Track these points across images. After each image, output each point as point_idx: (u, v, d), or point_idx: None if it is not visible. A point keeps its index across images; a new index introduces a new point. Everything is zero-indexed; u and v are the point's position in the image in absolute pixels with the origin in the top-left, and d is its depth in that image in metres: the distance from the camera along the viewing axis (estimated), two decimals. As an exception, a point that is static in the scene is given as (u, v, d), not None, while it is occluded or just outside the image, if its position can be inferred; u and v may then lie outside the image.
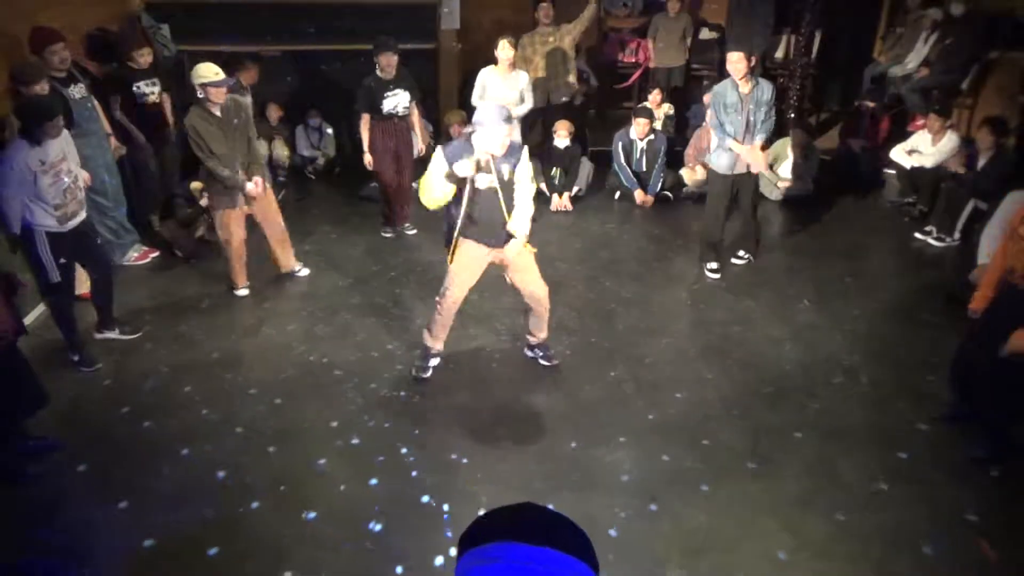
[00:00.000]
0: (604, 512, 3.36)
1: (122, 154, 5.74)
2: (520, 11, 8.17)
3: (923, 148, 6.76)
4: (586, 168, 7.31)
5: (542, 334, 4.42)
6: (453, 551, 3.02)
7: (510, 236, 4.04)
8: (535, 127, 7.57)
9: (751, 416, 4.07)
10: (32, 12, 5.25)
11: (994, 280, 3.66)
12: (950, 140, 6.61)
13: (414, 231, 6.48)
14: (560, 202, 7.00)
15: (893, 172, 7.27)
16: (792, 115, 8.05)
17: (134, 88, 5.98)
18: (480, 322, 4.95)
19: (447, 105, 8.04)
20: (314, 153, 8.02)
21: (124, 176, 5.80)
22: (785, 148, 7.16)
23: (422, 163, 7.46)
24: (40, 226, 4.10)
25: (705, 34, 8.96)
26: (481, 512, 1.05)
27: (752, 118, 5.27)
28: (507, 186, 3.94)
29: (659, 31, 8.57)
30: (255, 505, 3.41)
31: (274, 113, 7.82)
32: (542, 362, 4.48)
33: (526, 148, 4.10)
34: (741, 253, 5.92)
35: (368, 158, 6.19)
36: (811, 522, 3.33)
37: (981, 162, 6.02)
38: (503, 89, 6.30)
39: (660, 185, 7.19)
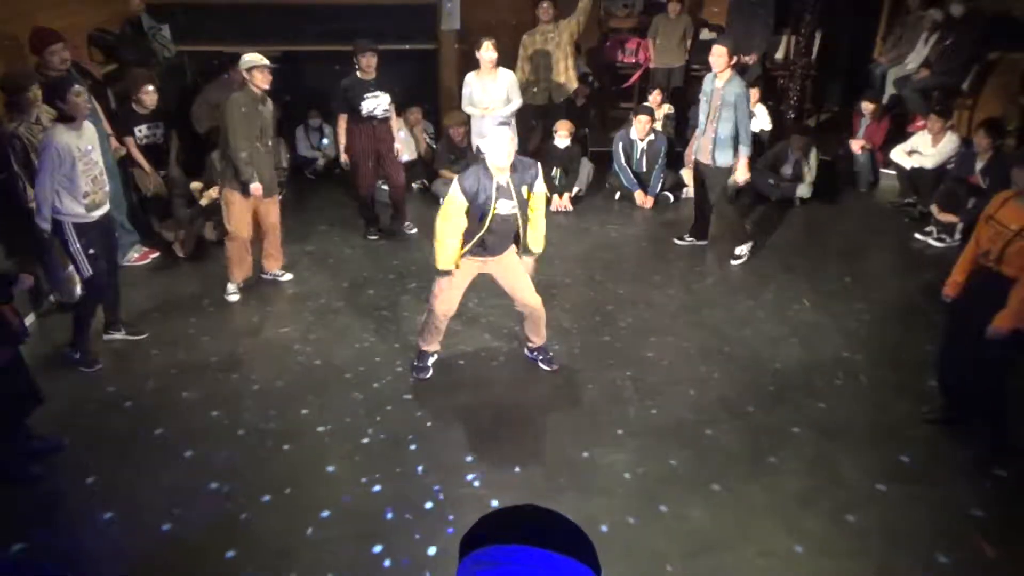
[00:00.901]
0: (604, 512, 3.36)
1: (122, 155, 5.73)
2: (520, 11, 8.17)
3: (923, 149, 6.76)
4: (586, 168, 7.30)
5: (539, 339, 4.42)
6: (453, 552, 3.02)
7: (526, 249, 4.15)
8: (536, 127, 7.57)
9: (751, 416, 4.08)
10: (32, 12, 5.25)
11: (966, 265, 3.68)
12: (950, 141, 6.61)
13: (414, 231, 6.48)
14: (560, 202, 7.00)
15: (893, 173, 7.27)
16: (792, 115, 8.05)
17: (135, 131, 5.85)
18: (480, 323, 4.95)
19: (447, 106, 8.03)
20: (314, 154, 8.00)
21: (124, 176, 5.79)
22: (785, 149, 7.15)
23: (425, 165, 7.55)
24: (67, 215, 4.13)
25: (705, 35, 8.94)
26: (482, 514, 1.05)
27: (718, 113, 5.38)
28: (524, 205, 3.98)
29: (659, 31, 8.56)
30: (256, 504, 3.41)
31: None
32: (543, 366, 4.48)
33: (539, 164, 4.09)
34: (686, 236, 6.18)
35: (344, 157, 6.22)
36: (811, 521, 3.33)
37: (979, 165, 6.02)
38: (489, 90, 6.29)
39: (660, 186, 7.19)
